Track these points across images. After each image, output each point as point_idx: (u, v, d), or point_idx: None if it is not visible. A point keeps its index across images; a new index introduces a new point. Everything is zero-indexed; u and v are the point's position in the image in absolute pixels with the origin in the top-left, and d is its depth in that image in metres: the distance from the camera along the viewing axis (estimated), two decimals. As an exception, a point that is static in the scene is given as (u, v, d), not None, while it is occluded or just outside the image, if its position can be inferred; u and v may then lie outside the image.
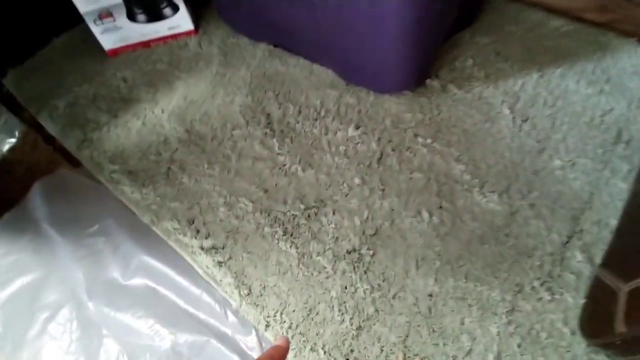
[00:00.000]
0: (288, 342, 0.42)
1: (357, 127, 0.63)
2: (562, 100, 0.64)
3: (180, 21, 0.77)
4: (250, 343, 0.50)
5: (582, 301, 0.47)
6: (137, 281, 0.54)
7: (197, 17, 0.81)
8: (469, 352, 0.45)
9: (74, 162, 0.68)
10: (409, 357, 0.44)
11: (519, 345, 0.45)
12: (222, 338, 0.51)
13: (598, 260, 0.49)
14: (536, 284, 0.48)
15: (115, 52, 0.78)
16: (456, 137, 0.61)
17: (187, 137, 0.65)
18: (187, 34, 0.79)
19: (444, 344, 0.45)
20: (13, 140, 0.73)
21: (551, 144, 0.60)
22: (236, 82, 0.71)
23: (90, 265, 0.55)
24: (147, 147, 0.65)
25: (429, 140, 0.61)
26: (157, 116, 0.69)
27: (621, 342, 0.39)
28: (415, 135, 0.62)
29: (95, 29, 0.74)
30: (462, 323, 0.46)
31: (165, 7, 0.75)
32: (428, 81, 0.67)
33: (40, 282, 0.54)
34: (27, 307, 0.53)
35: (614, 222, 0.52)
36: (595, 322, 0.44)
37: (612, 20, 0.71)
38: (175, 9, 0.75)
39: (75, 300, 0.54)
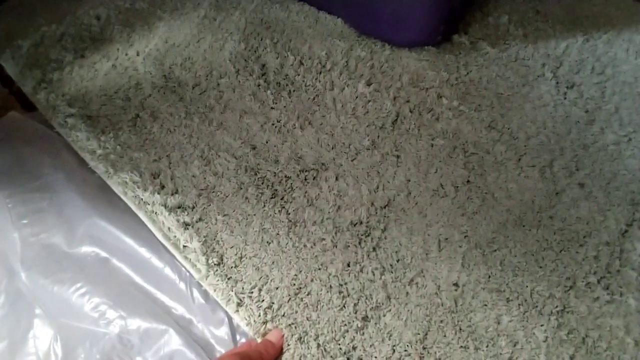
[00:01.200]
0: (282, 339, 0.33)
1: (368, 84, 0.53)
2: (612, 69, 0.54)
3: (168, -45, 0.66)
4: (220, 334, 0.39)
5: (648, 304, 0.36)
6: (85, 249, 0.43)
7: (188, -45, 0.70)
8: (506, 361, 0.34)
9: (29, 107, 0.57)
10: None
11: (571, 357, 0.34)
12: (185, 327, 0.40)
13: (664, 255, 0.39)
14: (592, 279, 0.38)
15: (90, -12, 0.67)
16: (488, 100, 0.51)
17: (164, 83, 0.54)
18: (176, -29, 0.68)
19: (476, 348, 0.34)
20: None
21: (602, 115, 0.50)
22: (227, 27, 0.60)
23: (29, 226, 0.44)
24: (114, 91, 0.54)
25: (455, 103, 0.51)
26: (130, 58, 0.58)
27: None
28: (439, 96, 0.51)
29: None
30: (498, 322, 0.35)
31: None
32: (455, 37, 0.57)
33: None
34: None
35: (680, 210, 0.42)
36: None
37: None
38: (163, -62, 0.64)
39: (4, 269, 0.42)
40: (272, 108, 0.51)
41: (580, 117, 0.49)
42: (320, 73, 0.55)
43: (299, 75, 0.54)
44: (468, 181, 0.45)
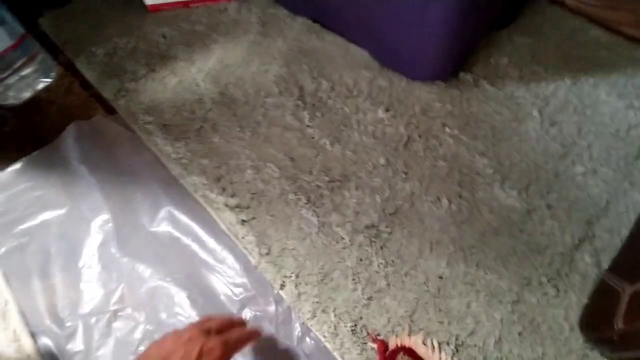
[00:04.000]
0: (259, 335, 0.42)
1: (387, 110, 0.64)
2: (592, 110, 0.65)
3: (224, -15, 0.77)
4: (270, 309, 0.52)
5: (585, 301, 0.49)
6: (163, 228, 0.56)
7: (240, -17, 0.82)
8: (472, 333, 0.47)
9: (109, 110, 0.69)
10: (414, 330, 0.47)
11: (519, 333, 0.47)
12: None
13: (605, 265, 0.51)
14: (544, 279, 0.50)
15: (156, 9, 0.79)
16: (483, 131, 0.62)
17: (221, 99, 0.67)
18: (229, -1, 0.80)
19: (449, 323, 0.47)
20: (48, 80, 0.75)
21: (575, 150, 0.61)
22: (272, 52, 0.72)
23: (120, 209, 0.57)
24: (181, 104, 0.67)
25: (456, 132, 0.62)
26: (193, 75, 0.70)
27: (618, 338, 0.41)
28: (443, 125, 0.63)
29: (141, -17, 0.75)
30: (468, 306, 0.48)
31: (212, -32, 0.76)
32: (461, 74, 0.68)
33: (65, 218, 0.57)
34: (47, 243, 0.54)
35: (625, 232, 0.53)
36: (595, 320, 0.46)
37: (648, 38, 0.71)
38: (221, -28, 0.76)
39: (99, 241, 0.56)
40: (307, 126, 0.64)
41: (556, 150, 0.61)
42: (348, 98, 0.66)
43: (330, 99, 0.66)
44: (460, 196, 0.57)
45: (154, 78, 0.70)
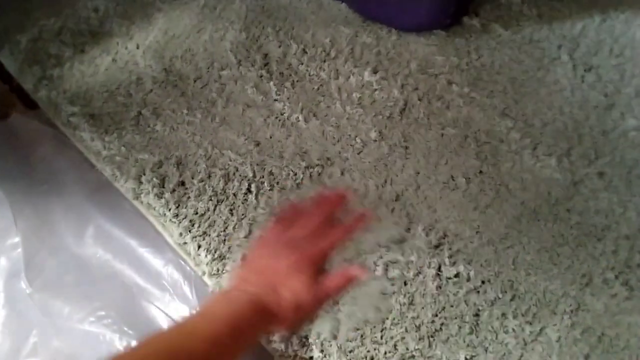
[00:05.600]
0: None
1: (374, 72, 0.51)
2: (630, 50, 0.52)
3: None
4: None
5: (669, 300, 0.35)
6: (89, 250, 0.43)
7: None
8: (518, 361, 0.33)
9: (31, 104, 0.57)
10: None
11: (586, 357, 0.33)
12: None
13: (687, 247, 0.37)
14: (609, 275, 0.36)
15: (87, -21, 0.65)
16: (501, 86, 0.49)
17: (165, 77, 0.53)
18: (173, -42, 0.65)
19: (485, 350, 0.33)
20: (-34, 79, 0.61)
21: (622, 99, 0.47)
22: (228, 16, 0.59)
23: (33, 230, 0.44)
24: (115, 87, 0.53)
25: (466, 90, 0.49)
26: (130, 52, 0.57)
27: None
28: (449, 83, 0.49)
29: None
30: (508, 327, 0.34)
31: None
32: (466, 19, 0.55)
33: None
34: None
35: None
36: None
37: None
38: None
39: (5, 274, 0.42)
40: (275, 100, 0.50)
41: (599, 102, 0.47)
42: (325, 61, 0.53)
43: (302, 64, 0.53)
44: (480, 172, 0.44)
45: (82, 60, 0.57)
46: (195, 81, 0.53)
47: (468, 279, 0.37)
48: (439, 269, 0.38)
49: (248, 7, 0.59)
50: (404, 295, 0.36)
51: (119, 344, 0.37)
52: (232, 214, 0.42)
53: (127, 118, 0.50)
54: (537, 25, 0.53)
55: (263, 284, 0.28)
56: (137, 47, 0.57)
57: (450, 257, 0.38)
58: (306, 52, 0.54)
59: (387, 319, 0.35)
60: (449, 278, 0.37)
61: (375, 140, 0.46)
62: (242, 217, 0.42)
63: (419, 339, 0.34)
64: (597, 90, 0.48)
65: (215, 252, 0.40)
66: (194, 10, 0.60)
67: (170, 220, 0.42)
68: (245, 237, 0.40)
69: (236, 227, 0.41)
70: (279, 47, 0.54)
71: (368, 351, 0.34)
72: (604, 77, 0.49)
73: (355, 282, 0.30)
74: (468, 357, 0.33)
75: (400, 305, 0.36)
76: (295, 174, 0.44)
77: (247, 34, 0.56)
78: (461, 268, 0.37)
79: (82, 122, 0.50)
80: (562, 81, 0.49)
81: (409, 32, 0.54)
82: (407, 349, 0.34)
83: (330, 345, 0.35)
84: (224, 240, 0.40)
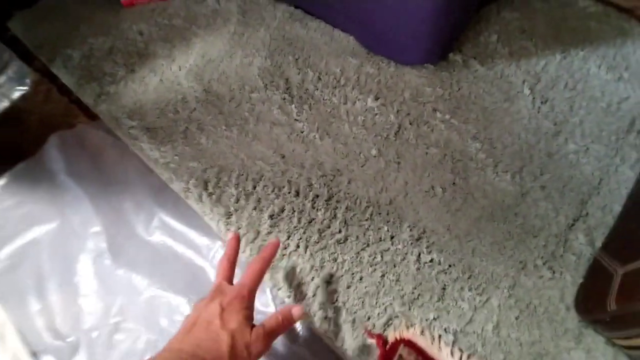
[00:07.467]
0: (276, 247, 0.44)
1: (376, 98, 0.63)
2: (583, 84, 0.64)
3: (199, -26, 0.74)
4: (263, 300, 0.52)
5: (580, 280, 0.49)
6: (157, 237, 0.56)
7: (215, -30, 0.78)
8: (470, 321, 0.47)
9: (91, 116, 0.67)
10: (412, 322, 0.47)
11: (517, 318, 0.48)
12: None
13: (599, 243, 0.51)
14: (539, 262, 0.50)
15: (130, 3, 0.76)
16: (474, 114, 0.61)
17: (205, 97, 0.65)
18: (206, -12, 0.76)
19: (448, 312, 0.48)
20: (24, 88, 0.72)
21: (568, 127, 0.60)
22: (255, 43, 0.70)
23: (111, 220, 0.56)
24: (164, 105, 0.65)
25: (447, 116, 0.61)
26: (174, 73, 0.68)
27: (610, 319, 0.42)
28: (434, 110, 0.62)
29: (111, -23, 0.72)
30: (465, 294, 0.49)
31: (184, -43, 0.72)
32: (451, 55, 0.66)
33: (56, 233, 0.56)
34: (40, 260, 0.53)
35: (617, 208, 0.54)
36: (589, 300, 0.47)
37: (635, 7, 0.70)
38: (195, -40, 0.72)
39: (92, 254, 0.55)
40: (295, 120, 0.62)
41: (549, 129, 0.60)
42: (336, 88, 0.65)
43: (317, 90, 0.65)
44: (454, 183, 0.57)
45: (133, 79, 0.68)
46: (229, 101, 0.65)
47: (439, 263, 0.51)
48: (419, 256, 0.52)
49: (271, 36, 0.71)
50: (393, 275, 0.50)
51: (185, 309, 0.51)
52: (261, 210, 0.55)
53: (177, 132, 0.62)
54: (507, 62, 0.66)
55: (198, 339, 0.32)
56: (180, 69, 0.69)
57: (427, 247, 0.52)
58: (320, 79, 0.66)
59: (380, 291, 0.49)
60: (426, 262, 0.51)
61: (375, 156, 0.59)
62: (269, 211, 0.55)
63: (402, 305, 0.48)
64: (549, 119, 0.61)
65: (243, 237, 0.53)
66: (225, 36, 0.72)
67: (213, 213, 0.55)
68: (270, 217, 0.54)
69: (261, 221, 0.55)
70: (298, 74, 0.66)
71: (366, 312, 0.48)
72: (556, 108, 0.62)
73: (291, 321, 0.37)
74: (435, 317, 0.48)
75: (390, 281, 0.50)
76: (313, 181, 0.57)
77: (272, 61, 0.68)
78: (435, 255, 0.51)
79: (141, 135, 0.62)
80: (522, 111, 0.62)
81: (405, 65, 0.66)
82: (394, 310, 0.48)
83: (339, 307, 0.49)
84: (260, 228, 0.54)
